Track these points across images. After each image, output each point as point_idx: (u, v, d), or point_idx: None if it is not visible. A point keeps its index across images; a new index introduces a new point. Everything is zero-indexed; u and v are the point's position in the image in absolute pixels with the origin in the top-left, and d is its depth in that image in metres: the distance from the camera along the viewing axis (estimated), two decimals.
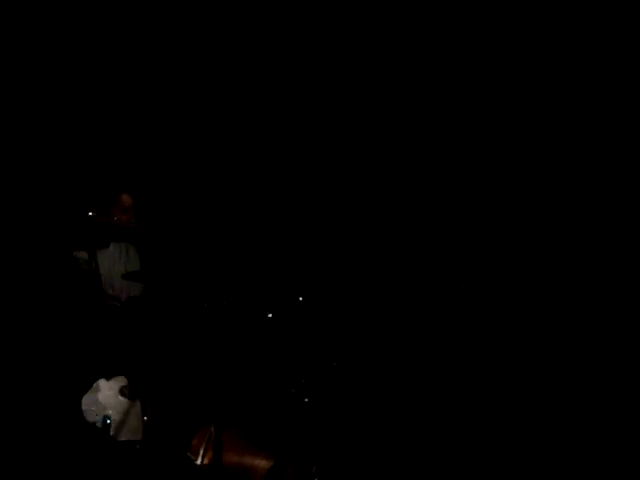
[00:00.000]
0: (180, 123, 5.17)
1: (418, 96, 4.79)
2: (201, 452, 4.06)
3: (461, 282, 4.50)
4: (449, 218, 4.66)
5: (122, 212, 4.78)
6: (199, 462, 4.04)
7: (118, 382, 4.26)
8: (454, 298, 4.46)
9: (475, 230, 4.58)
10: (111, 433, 4.03)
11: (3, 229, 4.50)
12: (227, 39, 5.01)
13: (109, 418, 4.06)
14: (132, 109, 5.15)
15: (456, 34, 4.65)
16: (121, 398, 4.22)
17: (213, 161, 5.20)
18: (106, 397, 4.17)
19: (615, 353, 4.23)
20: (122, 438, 4.11)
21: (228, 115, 5.13)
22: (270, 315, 4.30)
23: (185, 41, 5.03)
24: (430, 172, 4.72)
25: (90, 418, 4.10)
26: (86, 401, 4.15)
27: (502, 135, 4.64)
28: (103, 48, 4.99)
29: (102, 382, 4.21)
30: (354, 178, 4.86)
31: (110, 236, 4.87)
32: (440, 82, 4.74)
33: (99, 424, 4.06)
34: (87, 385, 4.19)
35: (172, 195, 5.22)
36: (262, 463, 4.05)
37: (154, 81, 5.14)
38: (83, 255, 4.65)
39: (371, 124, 4.92)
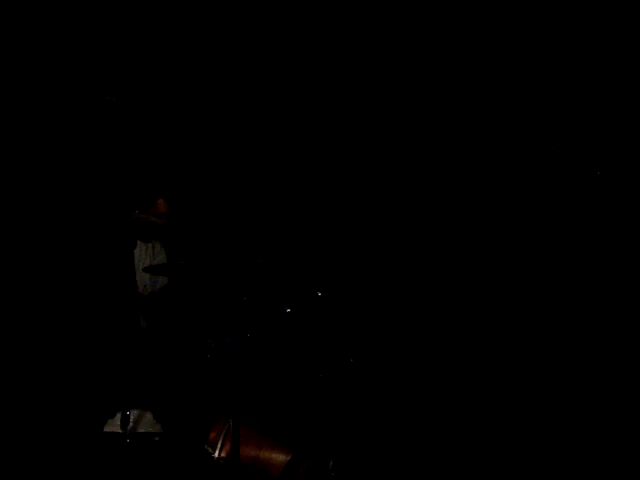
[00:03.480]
0: (197, 122, 5.22)
1: (418, 96, 4.78)
2: (219, 445, 4.08)
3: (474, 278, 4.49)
4: (465, 212, 4.64)
5: (157, 217, 4.85)
6: (216, 455, 4.06)
7: None
8: (470, 291, 4.45)
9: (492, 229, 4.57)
10: (130, 425, 4.07)
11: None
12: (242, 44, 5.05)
13: (128, 410, 4.10)
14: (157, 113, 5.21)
15: (456, 34, 4.64)
16: None
17: (233, 157, 5.23)
18: None
19: (616, 354, 4.20)
20: (141, 430, 4.14)
21: (245, 112, 5.16)
22: (289, 310, 4.31)
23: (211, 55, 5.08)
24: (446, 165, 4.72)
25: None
26: None
27: (504, 136, 4.62)
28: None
29: None
30: (371, 174, 4.87)
31: (139, 234, 4.95)
32: (440, 82, 4.72)
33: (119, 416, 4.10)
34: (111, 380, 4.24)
35: (195, 191, 5.27)
36: (280, 457, 4.06)
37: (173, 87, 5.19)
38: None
39: (382, 116, 4.92)
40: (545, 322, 4.29)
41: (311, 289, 4.37)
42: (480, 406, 4.27)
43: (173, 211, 4.99)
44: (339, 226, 4.87)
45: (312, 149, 5.03)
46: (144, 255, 5.03)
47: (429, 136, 4.75)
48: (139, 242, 4.98)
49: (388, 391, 4.39)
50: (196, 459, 4.10)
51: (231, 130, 5.22)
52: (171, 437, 4.19)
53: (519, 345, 4.31)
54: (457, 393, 4.33)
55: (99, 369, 4.18)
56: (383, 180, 4.84)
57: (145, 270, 4.43)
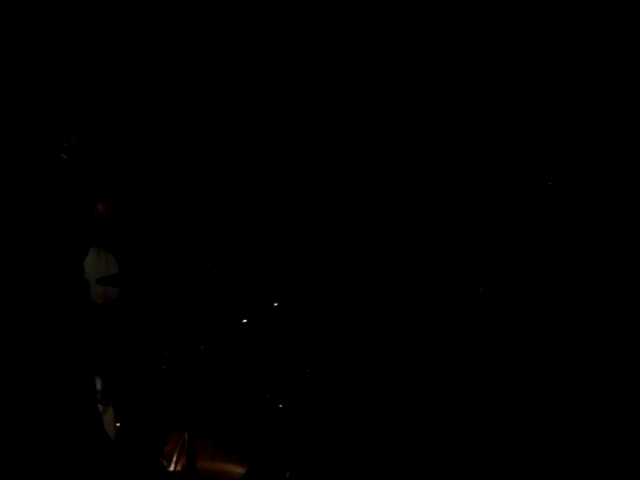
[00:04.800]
0: (157, 127, 5.16)
1: (418, 96, 4.77)
2: (174, 459, 4.04)
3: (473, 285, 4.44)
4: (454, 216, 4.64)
5: (97, 221, 4.80)
6: (172, 468, 4.02)
7: None
8: (461, 303, 4.43)
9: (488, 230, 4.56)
10: None
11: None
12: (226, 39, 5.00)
13: None
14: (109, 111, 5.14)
15: (456, 34, 4.64)
16: None
17: (188, 165, 5.19)
18: None
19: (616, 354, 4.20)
20: None
21: (205, 120, 5.13)
22: (245, 321, 4.29)
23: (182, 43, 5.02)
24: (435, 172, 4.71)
25: None
26: None
27: (514, 137, 4.61)
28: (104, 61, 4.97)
29: None
30: (334, 182, 4.86)
31: (90, 242, 4.88)
32: (440, 82, 4.72)
33: None
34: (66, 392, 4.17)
35: (148, 200, 5.21)
36: (236, 469, 4.04)
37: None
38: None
39: (366, 126, 4.92)
40: (543, 322, 4.28)
41: (267, 300, 4.35)
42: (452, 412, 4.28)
43: (127, 219, 4.95)
44: (294, 236, 4.85)
45: (267, 155, 5.01)
46: (95, 264, 4.96)
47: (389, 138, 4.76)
48: (91, 250, 4.91)
49: (345, 402, 4.38)
50: (151, 473, 4.05)
51: (183, 133, 5.18)
52: (125, 451, 4.14)
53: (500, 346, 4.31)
54: (422, 407, 4.33)
55: (52, 378, 4.11)
56: (339, 188, 4.84)
57: (98, 281, 4.36)
